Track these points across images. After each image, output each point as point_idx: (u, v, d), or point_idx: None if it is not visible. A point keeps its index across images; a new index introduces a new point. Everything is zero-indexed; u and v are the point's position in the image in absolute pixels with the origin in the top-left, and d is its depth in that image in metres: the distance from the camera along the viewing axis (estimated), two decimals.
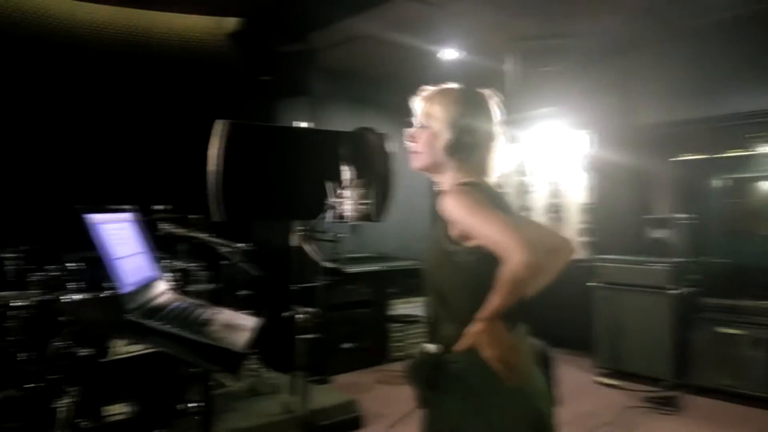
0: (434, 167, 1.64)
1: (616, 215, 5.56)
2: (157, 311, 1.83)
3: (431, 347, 1.57)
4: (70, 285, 3.44)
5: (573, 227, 6.29)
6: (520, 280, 1.33)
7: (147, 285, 2.01)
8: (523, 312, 1.55)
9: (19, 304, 3.34)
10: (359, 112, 5.94)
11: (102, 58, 4.81)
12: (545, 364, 2.67)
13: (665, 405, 4.31)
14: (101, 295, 3.21)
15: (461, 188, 1.51)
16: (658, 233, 5.04)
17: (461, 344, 1.43)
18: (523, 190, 6.67)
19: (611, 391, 4.76)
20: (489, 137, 1.62)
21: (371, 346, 5.44)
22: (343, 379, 5.07)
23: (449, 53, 5.35)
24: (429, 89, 1.67)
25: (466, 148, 1.58)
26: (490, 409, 1.49)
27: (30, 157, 4.40)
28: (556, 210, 6.40)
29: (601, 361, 5.08)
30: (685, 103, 5.07)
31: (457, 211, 1.46)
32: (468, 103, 1.61)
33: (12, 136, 4.34)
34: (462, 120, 1.58)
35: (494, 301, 1.36)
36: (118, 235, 1.95)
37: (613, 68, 5.53)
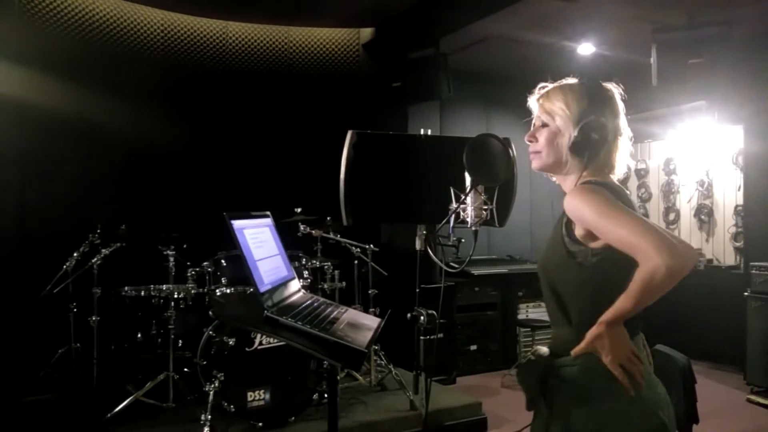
0: (556, 167, 1.58)
1: None
2: (291, 309, 1.99)
3: (544, 350, 1.55)
4: (219, 281, 3.81)
5: (724, 230, 5.82)
6: (658, 285, 1.28)
7: (283, 284, 2.19)
8: (642, 321, 1.51)
9: (177, 296, 3.76)
10: (488, 114, 5.91)
11: (247, 75, 5.29)
12: (684, 378, 2.51)
13: None
14: (245, 292, 3.53)
15: (590, 187, 1.45)
16: None
17: (579, 348, 1.40)
18: (670, 190, 6.27)
19: (764, 411, 4.38)
20: (615, 134, 1.56)
21: (498, 349, 5.40)
22: (468, 380, 5.09)
23: (586, 48, 5.16)
24: (548, 86, 1.61)
25: (593, 146, 1.51)
26: (608, 417, 1.45)
27: (188, 168, 4.96)
28: (705, 212, 5.96)
29: (754, 377, 4.68)
30: None
31: (586, 210, 1.40)
32: (593, 99, 1.54)
33: (173, 151, 4.89)
34: (588, 117, 1.51)
35: (624, 303, 1.33)
36: (259, 238, 2.15)
37: None
